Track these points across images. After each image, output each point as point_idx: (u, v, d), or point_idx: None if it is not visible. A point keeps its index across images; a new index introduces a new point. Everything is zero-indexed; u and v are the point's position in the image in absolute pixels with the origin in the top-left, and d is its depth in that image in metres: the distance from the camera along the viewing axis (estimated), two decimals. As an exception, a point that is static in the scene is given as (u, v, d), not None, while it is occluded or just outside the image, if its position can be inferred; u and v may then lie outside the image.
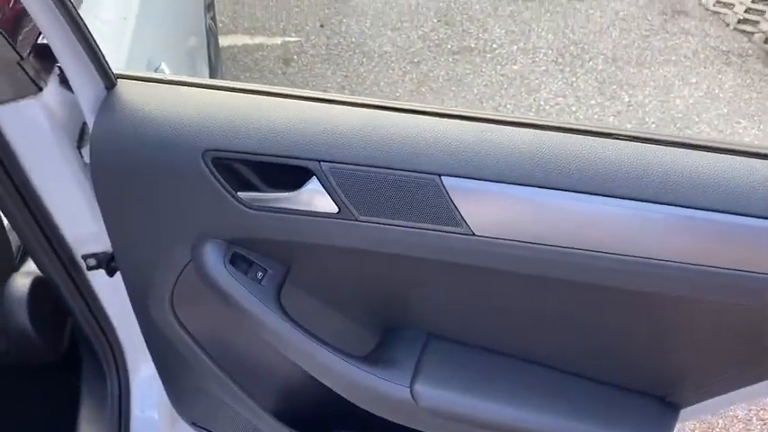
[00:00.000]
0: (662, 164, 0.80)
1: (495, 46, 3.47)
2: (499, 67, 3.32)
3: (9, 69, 0.85)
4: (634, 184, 0.80)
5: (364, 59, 3.33)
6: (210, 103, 0.90)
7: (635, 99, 3.14)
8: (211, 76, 2.49)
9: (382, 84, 3.17)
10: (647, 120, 3.03)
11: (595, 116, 3.04)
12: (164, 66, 1.40)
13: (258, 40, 3.40)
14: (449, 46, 3.46)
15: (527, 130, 0.83)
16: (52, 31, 0.82)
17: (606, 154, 0.82)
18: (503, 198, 0.81)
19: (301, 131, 0.85)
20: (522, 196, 0.80)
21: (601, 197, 0.79)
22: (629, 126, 2.96)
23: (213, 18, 2.88)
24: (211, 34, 2.71)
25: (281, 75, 3.18)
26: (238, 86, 0.92)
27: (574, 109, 3.08)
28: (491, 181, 0.80)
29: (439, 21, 3.66)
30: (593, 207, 0.80)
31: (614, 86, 3.21)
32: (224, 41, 3.16)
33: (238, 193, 0.87)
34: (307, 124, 0.85)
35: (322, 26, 3.55)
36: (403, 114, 0.86)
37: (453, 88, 3.17)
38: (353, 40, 3.47)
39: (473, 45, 3.47)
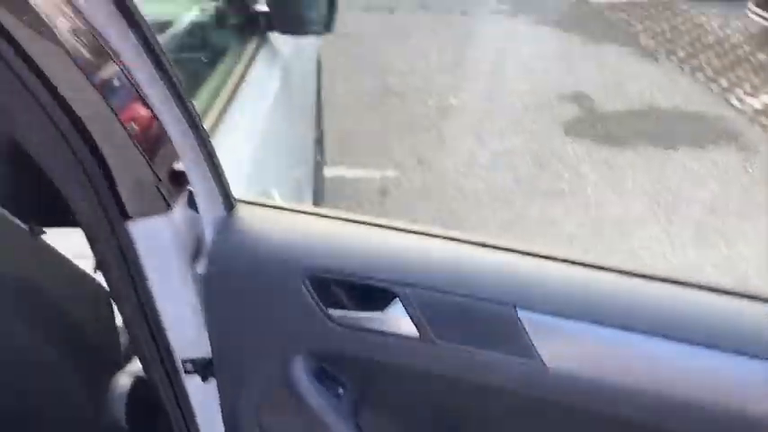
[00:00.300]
0: (751, 320, 0.81)
1: (588, 190, 3.52)
2: (592, 210, 3.35)
3: (147, 189, 0.98)
4: (722, 336, 0.80)
5: (458, 196, 3.46)
6: (312, 229, 0.99)
7: (735, 251, 3.05)
8: (315, 202, 2.67)
9: (473, 220, 3.26)
10: (748, 273, 2.92)
11: (692, 266, 2.97)
12: (274, 192, 1.54)
13: (360, 173, 3.62)
14: (541, 188, 3.54)
15: (606, 273, 0.86)
16: (189, 157, 0.96)
17: (695, 305, 0.83)
18: (578, 335, 0.83)
19: (389, 257, 0.92)
20: (598, 335, 0.82)
21: (682, 344, 0.80)
22: (728, 278, 2.86)
23: (322, 152, 3.13)
24: (318, 166, 2.93)
25: (378, 206, 3.34)
26: (338, 215, 1.02)
27: (669, 257, 3.02)
28: (567, 318, 0.83)
29: (533, 163, 3.78)
30: (669, 354, 0.80)
31: (713, 236, 3.14)
32: (329, 172, 3.38)
33: (329, 310, 0.94)
34: (395, 251, 0.93)
35: (420, 163, 3.75)
36: (485, 248, 0.91)
37: (544, 229, 3.21)
38: (448, 177, 3.63)
39: (566, 188, 3.54)
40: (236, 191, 1.06)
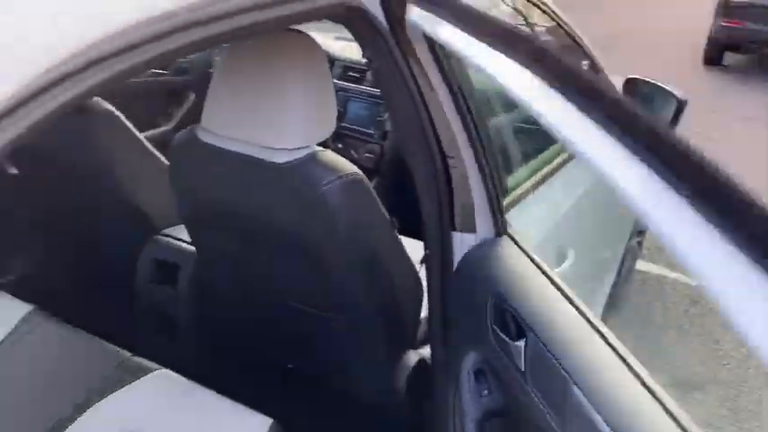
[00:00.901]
0: None
1: None
2: None
3: (468, 214, 1.33)
4: None
5: None
6: (518, 269, 1.26)
7: None
8: (613, 286, 2.76)
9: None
10: None
11: None
12: (570, 253, 1.77)
13: (676, 276, 3.54)
14: None
15: None
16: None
17: None
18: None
19: (535, 307, 1.19)
20: None
21: None
22: None
23: (640, 243, 3.16)
24: (630, 254, 3.00)
25: (683, 312, 3.25)
26: (545, 270, 1.25)
27: None
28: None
29: None
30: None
31: None
32: (642, 266, 3.40)
33: (494, 326, 1.23)
34: (540, 305, 1.19)
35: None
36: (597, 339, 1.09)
37: None
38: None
39: None
40: (535, 239, 1.36)
